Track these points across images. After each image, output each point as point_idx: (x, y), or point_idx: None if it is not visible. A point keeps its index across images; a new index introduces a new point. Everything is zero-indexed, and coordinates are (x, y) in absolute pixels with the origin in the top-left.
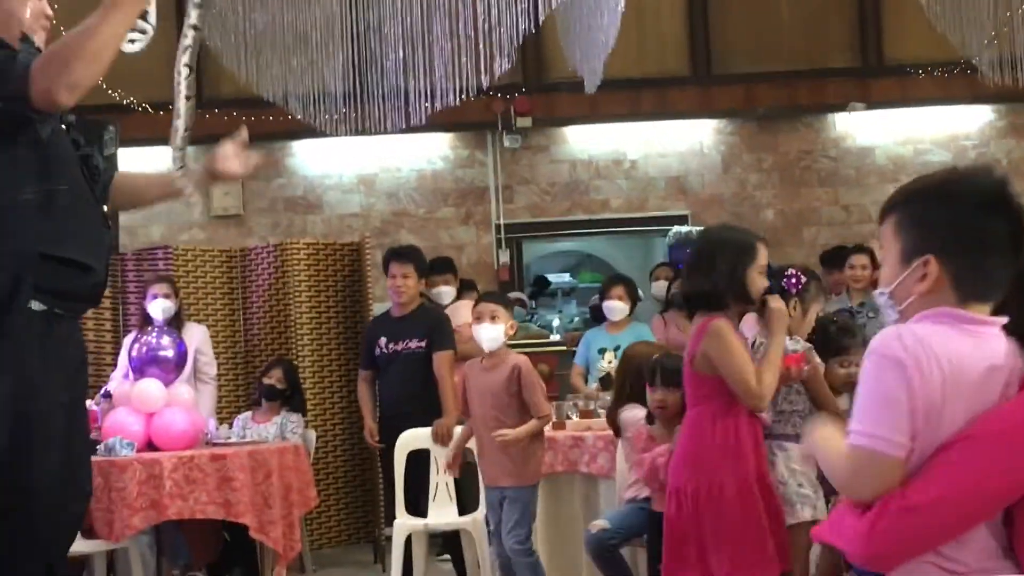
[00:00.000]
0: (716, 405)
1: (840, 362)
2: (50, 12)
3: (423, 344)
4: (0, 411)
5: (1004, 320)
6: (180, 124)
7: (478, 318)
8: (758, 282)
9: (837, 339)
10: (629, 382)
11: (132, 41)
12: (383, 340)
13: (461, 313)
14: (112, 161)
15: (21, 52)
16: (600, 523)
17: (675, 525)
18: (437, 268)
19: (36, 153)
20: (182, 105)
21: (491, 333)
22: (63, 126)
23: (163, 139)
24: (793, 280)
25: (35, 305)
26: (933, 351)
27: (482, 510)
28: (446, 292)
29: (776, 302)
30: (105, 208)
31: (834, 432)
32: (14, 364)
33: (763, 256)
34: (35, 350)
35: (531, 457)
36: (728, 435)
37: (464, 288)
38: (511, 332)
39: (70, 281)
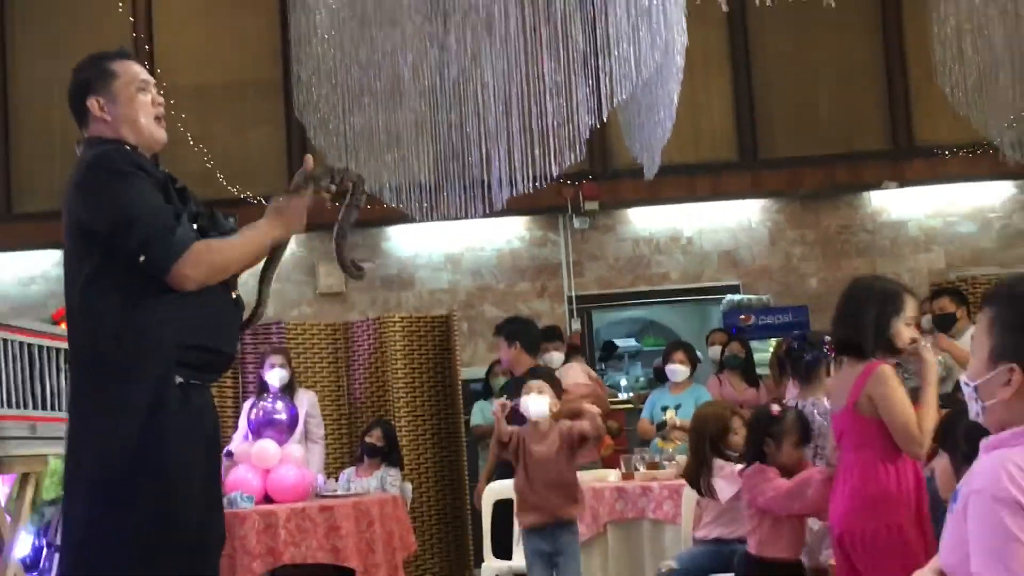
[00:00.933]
0: (881, 448)
1: None
2: (161, 100)
3: None
4: (151, 467)
5: None
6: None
7: (527, 391)
8: (904, 333)
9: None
10: (704, 441)
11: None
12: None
13: (570, 374)
14: None
15: (180, 226)
16: (669, 563)
17: (846, 569)
18: (547, 336)
19: None
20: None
21: (538, 405)
22: (195, 216)
23: None
24: (829, 346)
25: (176, 379)
26: None
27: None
28: (556, 357)
29: (928, 353)
30: (234, 294)
31: (932, 573)
32: (161, 427)
33: (911, 307)
34: (178, 415)
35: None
36: (900, 476)
37: (572, 352)
38: (556, 406)
39: (202, 360)
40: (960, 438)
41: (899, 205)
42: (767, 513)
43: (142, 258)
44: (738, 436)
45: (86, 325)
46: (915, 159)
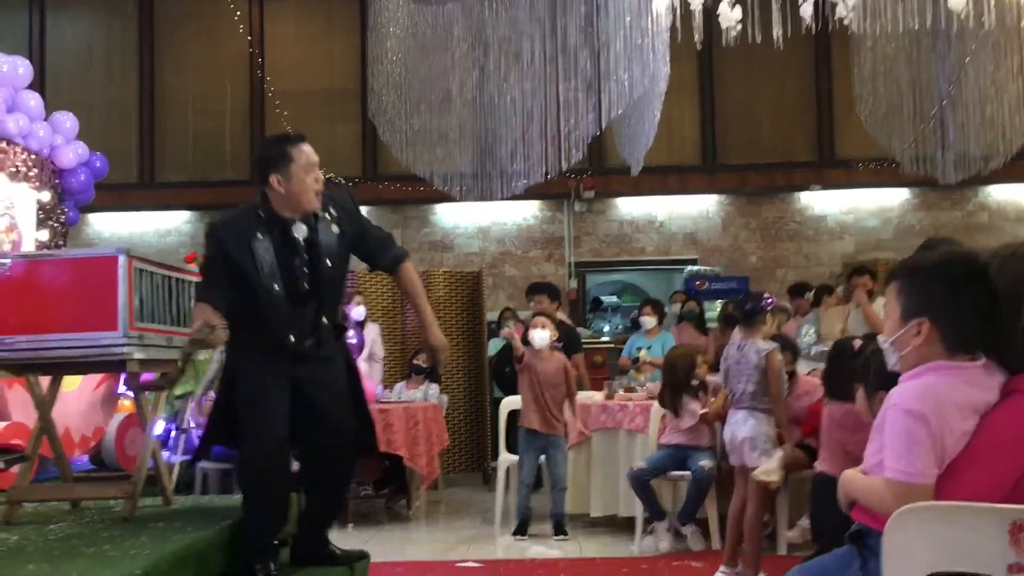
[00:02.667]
0: None
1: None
2: (321, 176)
3: (561, 345)
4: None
5: (983, 360)
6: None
7: (533, 326)
8: None
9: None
10: (675, 373)
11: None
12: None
13: None
14: None
15: (210, 289)
16: (639, 463)
17: None
18: (535, 289)
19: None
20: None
21: (543, 336)
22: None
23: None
24: (769, 301)
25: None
26: (943, 400)
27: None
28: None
29: None
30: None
31: (857, 472)
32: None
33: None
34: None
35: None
36: None
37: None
38: (555, 337)
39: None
40: (872, 373)
41: (821, 203)
42: (850, 454)
43: None
44: (701, 370)
45: None
46: (835, 168)
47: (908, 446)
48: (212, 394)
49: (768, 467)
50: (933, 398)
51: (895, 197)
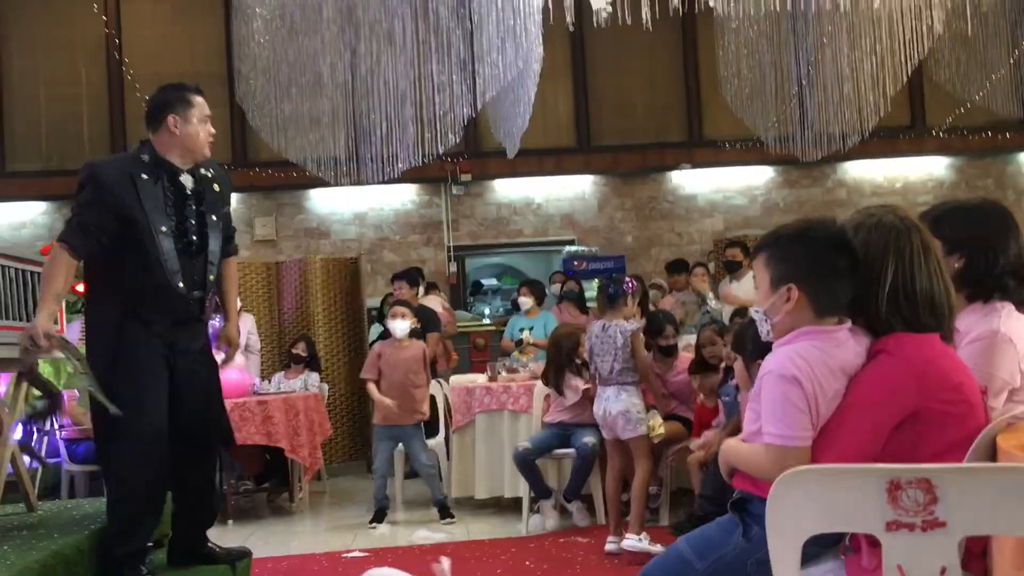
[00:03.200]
0: None
1: (659, 338)
2: (211, 129)
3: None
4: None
5: (849, 324)
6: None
7: (392, 316)
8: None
9: (661, 322)
10: (559, 352)
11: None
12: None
13: (429, 304)
14: None
15: (77, 235)
16: (524, 444)
17: None
18: (395, 276)
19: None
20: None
21: (403, 326)
22: (198, 195)
23: None
24: (629, 284)
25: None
26: (815, 364)
27: (440, 437)
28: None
29: None
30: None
31: (737, 441)
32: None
33: None
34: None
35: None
36: None
37: (430, 287)
38: (416, 326)
39: (150, 313)
40: (748, 343)
41: (691, 182)
42: None
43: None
44: (583, 348)
45: None
46: (703, 148)
47: (784, 410)
48: (76, 392)
49: (653, 423)
50: (805, 362)
51: (761, 175)
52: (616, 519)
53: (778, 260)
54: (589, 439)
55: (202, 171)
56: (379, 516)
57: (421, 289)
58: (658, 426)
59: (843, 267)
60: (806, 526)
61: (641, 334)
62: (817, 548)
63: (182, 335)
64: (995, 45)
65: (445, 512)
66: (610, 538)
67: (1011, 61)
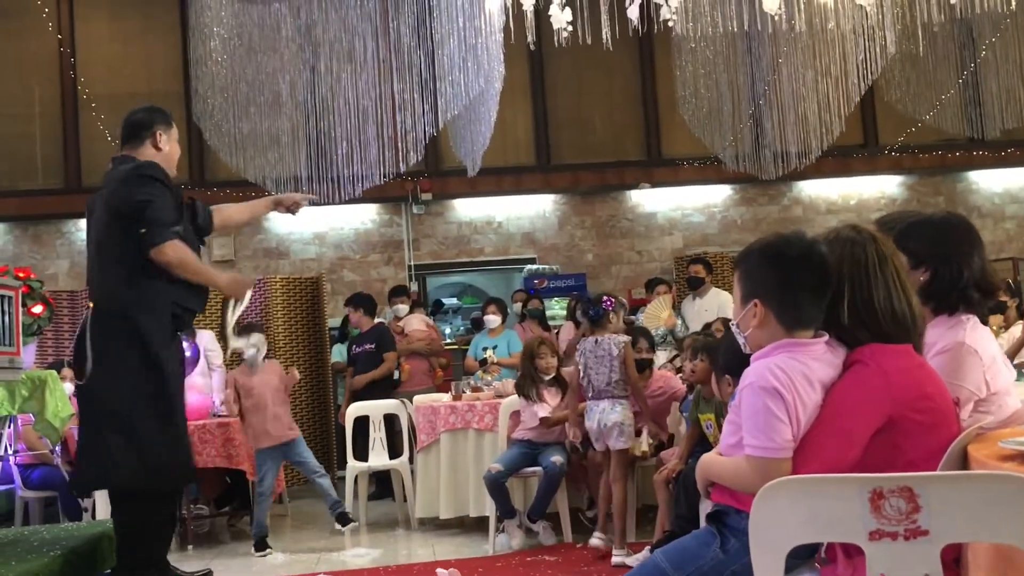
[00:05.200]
0: None
1: (637, 349)
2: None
3: (374, 346)
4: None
5: (825, 337)
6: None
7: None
8: None
9: (636, 335)
10: (530, 362)
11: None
12: (353, 347)
13: (413, 323)
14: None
15: (177, 227)
16: (496, 465)
17: None
18: (396, 292)
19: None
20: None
21: (251, 353)
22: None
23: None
24: (608, 302)
25: (176, 311)
26: (794, 376)
27: (404, 457)
28: (402, 308)
29: None
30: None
31: (714, 455)
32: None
33: None
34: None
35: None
36: None
37: (414, 306)
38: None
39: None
40: (719, 358)
41: (650, 201)
42: None
43: (140, 228)
44: (546, 361)
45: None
46: (662, 167)
47: (765, 421)
48: (31, 417)
49: (641, 440)
50: (784, 373)
51: (719, 193)
52: (621, 530)
53: (746, 277)
54: (557, 458)
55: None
56: (261, 544)
57: (404, 307)
58: (642, 444)
59: (810, 281)
60: (790, 536)
61: (630, 347)
62: (792, 560)
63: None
64: (944, 66)
65: (343, 519)
66: (616, 551)
67: (959, 81)
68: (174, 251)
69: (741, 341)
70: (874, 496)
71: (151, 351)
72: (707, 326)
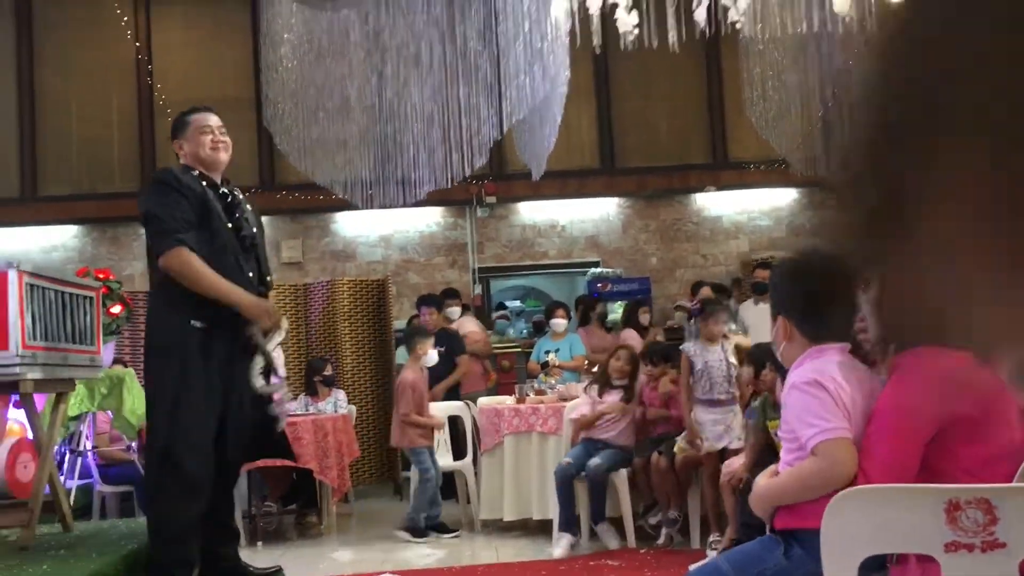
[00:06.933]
0: None
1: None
2: (220, 136)
3: (444, 349)
4: (166, 396)
5: (845, 344)
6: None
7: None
8: None
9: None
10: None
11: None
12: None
13: (466, 325)
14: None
15: (187, 229)
16: (567, 459)
17: None
18: (449, 295)
19: (200, 244)
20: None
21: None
22: (235, 205)
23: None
24: (698, 308)
25: (196, 324)
26: (829, 369)
27: (468, 459)
28: (455, 311)
29: None
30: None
31: (768, 479)
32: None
33: None
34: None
35: None
36: None
37: (465, 309)
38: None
39: (217, 313)
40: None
41: (716, 204)
42: None
43: (149, 239)
44: (619, 363)
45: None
46: (728, 170)
47: (815, 411)
48: (110, 413)
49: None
50: (817, 369)
51: (786, 197)
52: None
53: (772, 295)
54: (595, 461)
55: (235, 192)
56: (419, 532)
57: (456, 310)
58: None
59: (828, 293)
60: (861, 547)
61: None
62: (863, 573)
63: (235, 347)
64: None
65: (443, 528)
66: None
67: None
68: (175, 259)
69: (779, 356)
70: (950, 507)
71: (163, 344)
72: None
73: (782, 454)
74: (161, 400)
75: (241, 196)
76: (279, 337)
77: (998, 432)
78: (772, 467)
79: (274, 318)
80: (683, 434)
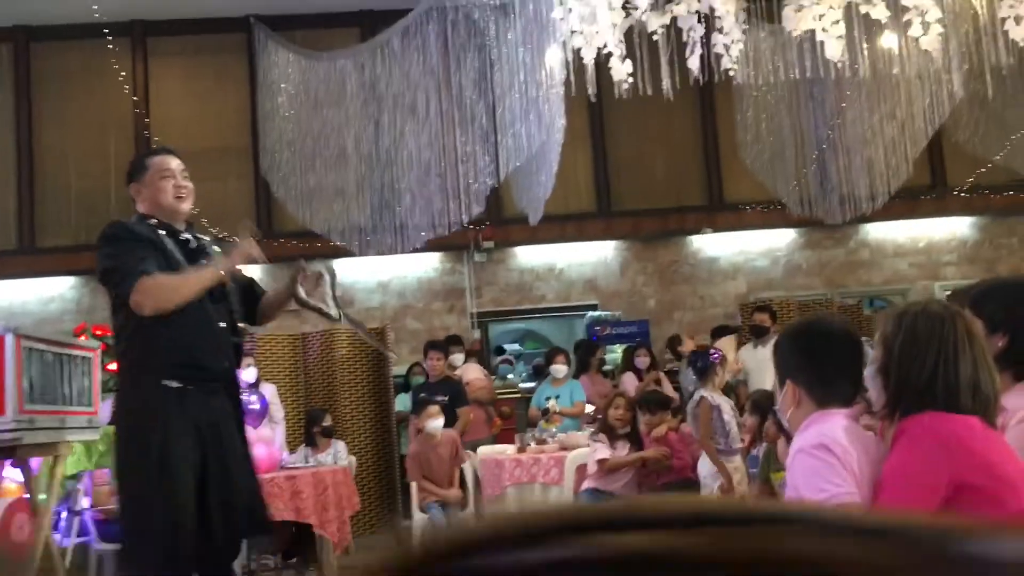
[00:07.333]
0: None
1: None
2: (182, 183)
3: (447, 399)
4: (150, 459)
5: (851, 410)
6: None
7: (428, 416)
8: None
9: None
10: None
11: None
12: (422, 396)
13: (470, 372)
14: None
15: (144, 263)
16: None
17: None
18: (452, 341)
19: None
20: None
21: (436, 424)
22: (199, 252)
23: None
24: (715, 355)
25: (171, 384)
26: (832, 431)
27: (471, 510)
28: (458, 358)
29: None
30: (222, 323)
31: None
32: (152, 423)
33: None
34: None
35: None
36: None
37: (470, 355)
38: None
39: (190, 371)
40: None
41: (713, 246)
42: None
43: (114, 292)
44: (619, 412)
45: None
46: (725, 212)
47: (822, 476)
48: (107, 472)
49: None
50: (823, 433)
51: (782, 238)
52: None
53: (779, 362)
54: None
55: (201, 236)
56: None
57: (460, 356)
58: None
59: (836, 356)
60: None
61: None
62: None
63: (213, 406)
64: (1014, 107)
65: None
66: None
67: None
68: (141, 290)
69: (785, 423)
70: None
71: (135, 408)
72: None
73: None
74: (133, 470)
75: (207, 240)
76: (328, 282)
77: (1007, 496)
78: None
79: (297, 266)
80: (715, 484)
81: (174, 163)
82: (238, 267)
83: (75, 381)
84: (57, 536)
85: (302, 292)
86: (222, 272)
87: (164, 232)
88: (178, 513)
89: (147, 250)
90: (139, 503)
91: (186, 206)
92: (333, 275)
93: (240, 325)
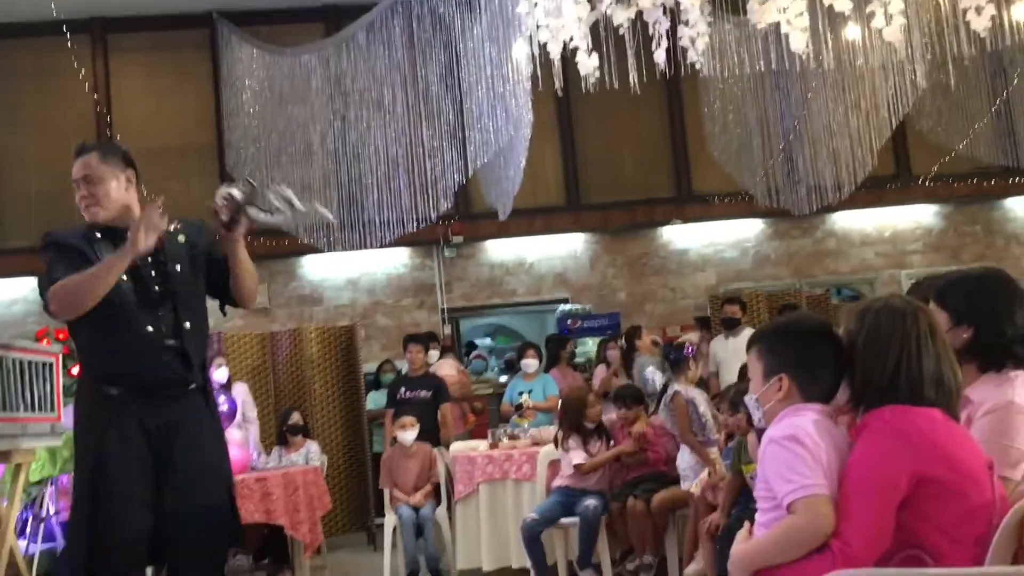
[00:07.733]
0: None
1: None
2: (84, 192)
3: (430, 394)
4: (86, 464)
5: (826, 406)
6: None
7: (401, 426)
8: None
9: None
10: (568, 415)
11: (270, 212)
12: (402, 389)
13: (444, 368)
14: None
15: (57, 271)
16: (532, 515)
17: None
18: (430, 337)
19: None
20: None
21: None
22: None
23: None
24: (690, 350)
25: (110, 390)
26: (803, 423)
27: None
28: (434, 355)
29: None
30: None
31: (744, 542)
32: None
33: None
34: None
35: None
36: None
37: (444, 351)
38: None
39: (125, 378)
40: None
41: (682, 237)
42: None
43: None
44: (594, 410)
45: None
46: (693, 203)
47: (791, 467)
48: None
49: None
50: (794, 424)
51: (751, 228)
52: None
53: (768, 353)
54: (591, 502)
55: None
56: None
57: (435, 353)
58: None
59: (826, 356)
60: None
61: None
62: None
63: (160, 406)
64: (976, 96)
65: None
66: None
67: (992, 111)
68: (52, 298)
69: (757, 415)
70: None
71: (82, 415)
72: (743, 370)
73: (757, 516)
74: (75, 474)
75: (174, 228)
76: (256, 190)
77: (969, 489)
78: (744, 530)
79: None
80: (701, 475)
81: (75, 169)
82: (151, 242)
83: (36, 387)
84: (23, 542)
85: (252, 213)
86: (129, 253)
87: (101, 236)
88: (110, 517)
89: (72, 258)
90: (74, 507)
91: (97, 212)
92: (250, 183)
93: (186, 325)
